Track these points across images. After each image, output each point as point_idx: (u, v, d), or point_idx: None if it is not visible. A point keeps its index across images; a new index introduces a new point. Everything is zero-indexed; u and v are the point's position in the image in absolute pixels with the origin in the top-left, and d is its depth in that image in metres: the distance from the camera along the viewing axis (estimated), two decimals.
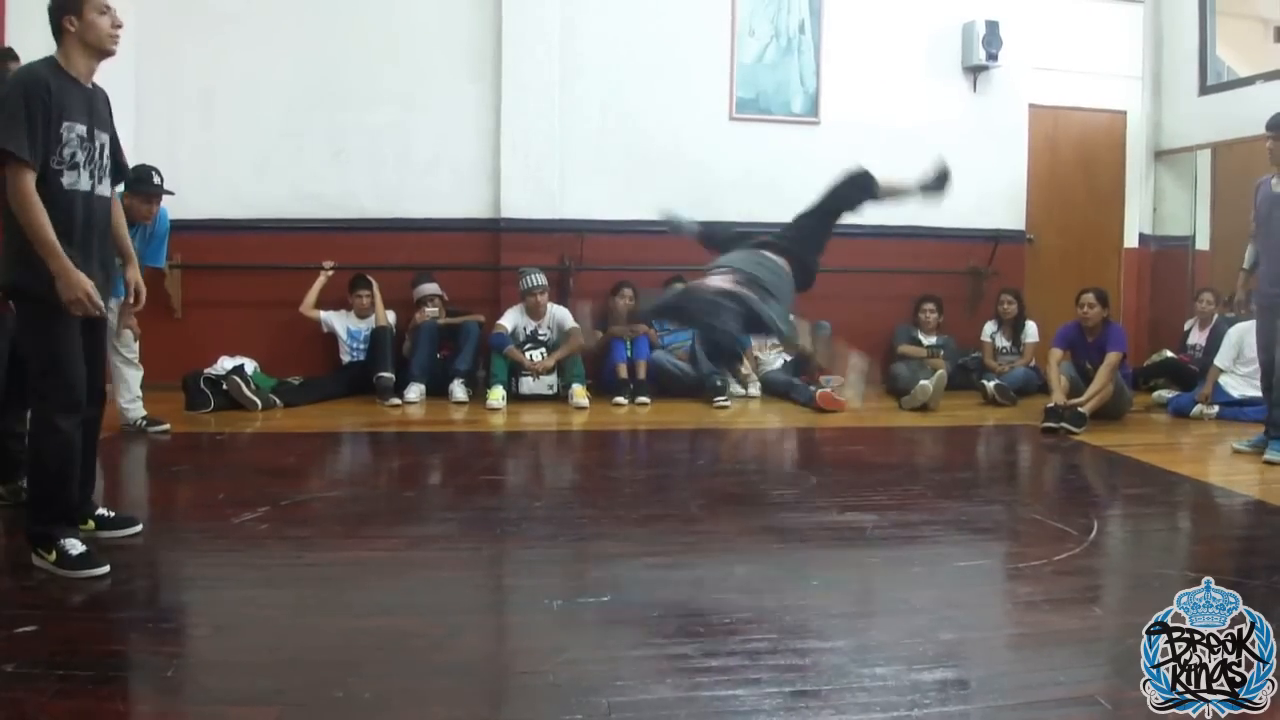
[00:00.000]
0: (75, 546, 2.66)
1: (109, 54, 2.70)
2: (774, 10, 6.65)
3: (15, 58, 3.32)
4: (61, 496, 2.69)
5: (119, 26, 2.69)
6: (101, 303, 2.69)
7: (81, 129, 2.64)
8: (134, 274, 3.05)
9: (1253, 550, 3.27)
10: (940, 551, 3.10)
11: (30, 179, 2.52)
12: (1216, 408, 5.55)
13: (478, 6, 6.27)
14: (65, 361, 2.64)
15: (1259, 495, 3.83)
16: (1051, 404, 5.19)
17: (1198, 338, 6.51)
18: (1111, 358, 5.25)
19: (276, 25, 6.09)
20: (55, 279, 2.55)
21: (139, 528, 3.05)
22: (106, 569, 2.64)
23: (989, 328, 6.71)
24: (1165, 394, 6.15)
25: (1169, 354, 6.68)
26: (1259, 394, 5.22)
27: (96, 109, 2.72)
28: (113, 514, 3.04)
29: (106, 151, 2.76)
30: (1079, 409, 5.07)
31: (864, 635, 2.32)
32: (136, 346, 4.62)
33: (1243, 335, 5.56)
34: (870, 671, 2.10)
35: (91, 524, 2.94)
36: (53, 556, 2.63)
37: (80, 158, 2.64)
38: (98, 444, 2.99)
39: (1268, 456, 4.40)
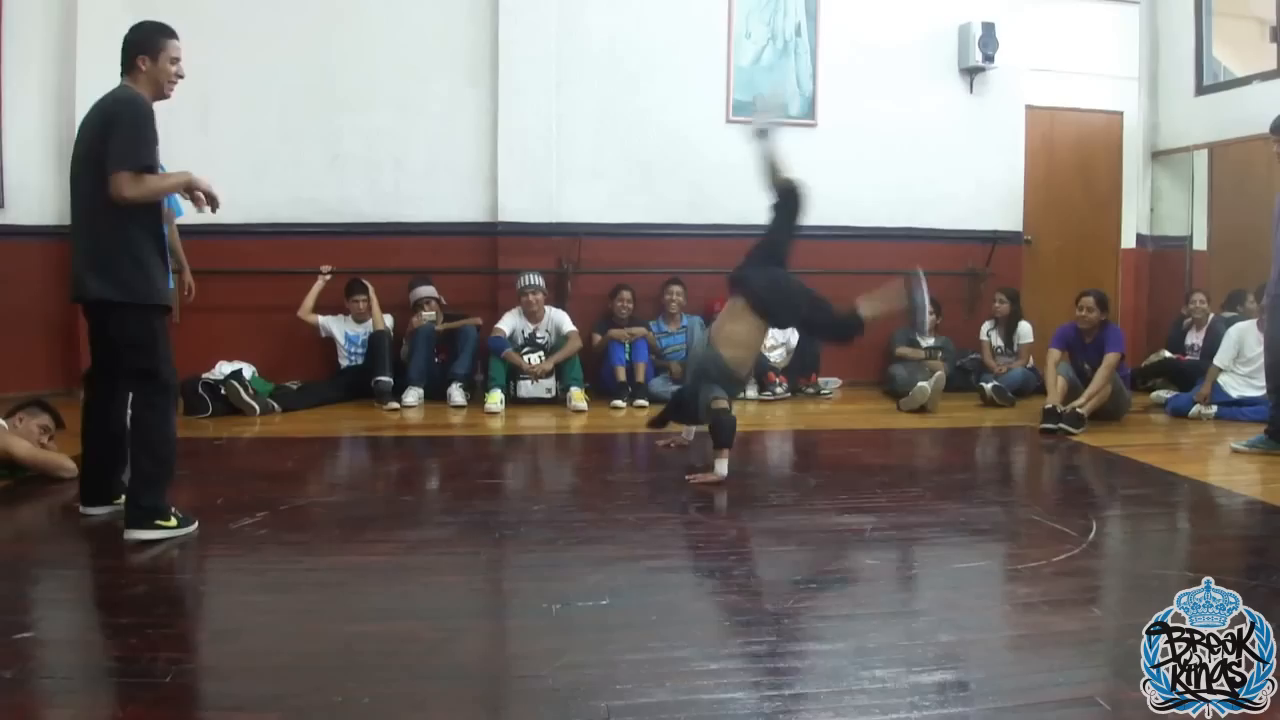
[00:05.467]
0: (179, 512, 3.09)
1: (164, 98, 3.23)
2: (770, 13, 6.66)
3: None
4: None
5: (180, 78, 3.27)
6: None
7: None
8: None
9: (1252, 550, 3.26)
10: (939, 553, 3.11)
11: None
12: (1215, 408, 5.55)
13: (475, 10, 6.27)
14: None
15: (1258, 495, 3.83)
16: (1050, 405, 5.19)
17: (1195, 338, 6.52)
18: (1110, 358, 5.24)
19: (273, 30, 6.09)
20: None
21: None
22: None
23: (986, 327, 6.72)
24: (1164, 394, 6.15)
25: (1167, 354, 6.69)
26: (1258, 394, 5.24)
27: None
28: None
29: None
30: (1078, 410, 5.07)
31: (863, 637, 2.31)
32: None
33: (1242, 335, 5.56)
34: (869, 674, 2.10)
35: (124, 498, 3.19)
36: (173, 522, 3.03)
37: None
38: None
39: (1237, 445, 4.56)
